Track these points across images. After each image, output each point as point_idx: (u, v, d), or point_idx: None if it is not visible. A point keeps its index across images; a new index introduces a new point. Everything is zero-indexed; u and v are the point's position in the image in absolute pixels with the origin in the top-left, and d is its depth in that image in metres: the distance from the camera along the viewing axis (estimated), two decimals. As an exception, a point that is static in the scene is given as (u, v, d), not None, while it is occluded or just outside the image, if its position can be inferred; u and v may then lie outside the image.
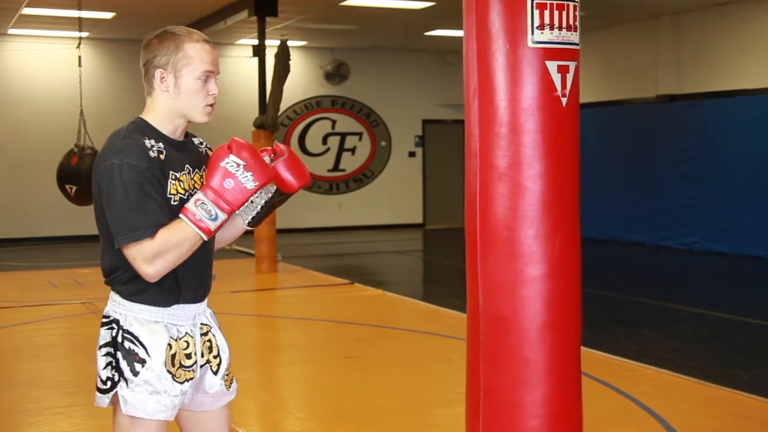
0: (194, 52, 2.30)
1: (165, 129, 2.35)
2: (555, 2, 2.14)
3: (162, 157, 2.29)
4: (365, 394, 5.01)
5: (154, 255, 2.21)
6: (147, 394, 2.31)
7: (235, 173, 2.24)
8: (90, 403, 4.95)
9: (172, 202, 2.28)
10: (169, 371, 2.32)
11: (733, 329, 7.10)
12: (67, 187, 8.55)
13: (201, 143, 2.50)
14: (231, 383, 2.52)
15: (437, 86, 15.99)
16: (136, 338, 2.31)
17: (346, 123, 15.81)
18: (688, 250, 11.89)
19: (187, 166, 2.35)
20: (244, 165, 2.25)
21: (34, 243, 13.39)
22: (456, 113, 16.12)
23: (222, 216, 2.24)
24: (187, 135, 2.45)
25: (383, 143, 16.09)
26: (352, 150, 15.88)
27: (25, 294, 8.45)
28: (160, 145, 2.30)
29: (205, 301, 2.48)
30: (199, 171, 2.39)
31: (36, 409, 4.72)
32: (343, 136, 15.80)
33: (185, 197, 2.31)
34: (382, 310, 7.74)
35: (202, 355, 2.43)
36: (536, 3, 2.13)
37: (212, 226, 2.24)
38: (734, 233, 11.27)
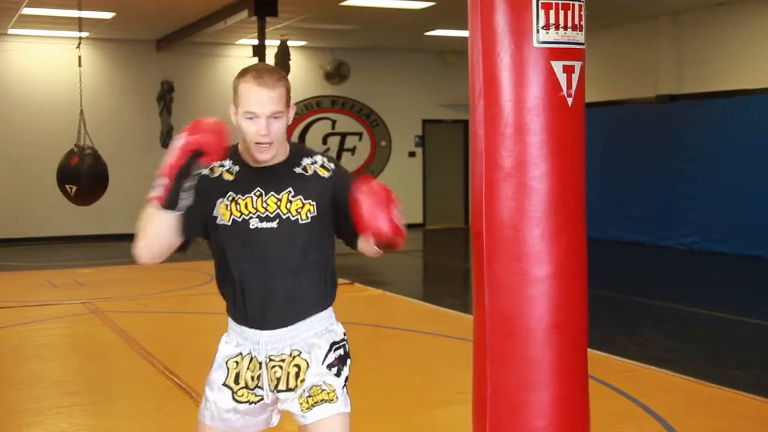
0: (242, 91, 2.31)
1: (246, 155, 2.39)
2: (560, 2, 2.13)
3: (225, 177, 2.36)
4: (365, 394, 4.97)
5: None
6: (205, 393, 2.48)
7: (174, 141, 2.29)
8: (90, 403, 4.96)
9: (218, 221, 2.35)
10: (228, 386, 2.41)
11: (733, 329, 7.10)
12: (67, 187, 8.53)
13: (313, 163, 2.48)
14: (310, 408, 2.38)
15: (437, 86, 15.98)
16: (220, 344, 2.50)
17: (346, 123, 15.80)
18: (688, 250, 11.89)
19: (258, 189, 2.36)
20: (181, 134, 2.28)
21: (34, 243, 13.38)
22: (456, 113, 16.11)
23: (160, 180, 2.26)
24: (293, 158, 2.45)
25: (383, 143, 16.08)
26: (352, 150, 15.86)
27: (25, 294, 8.44)
28: (236, 167, 2.38)
29: (287, 329, 2.39)
30: (276, 194, 2.37)
31: (36, 409, 4.71)
32: (343, 136, 15.79)
33: (239, 219, 2.35)
34: (382, 310, 7.73)
35: (277, 382, 2.40)
36: (541, 3, 2.12)
37: (156, 191, 2.27)
38: (734, 233, 11.26)
